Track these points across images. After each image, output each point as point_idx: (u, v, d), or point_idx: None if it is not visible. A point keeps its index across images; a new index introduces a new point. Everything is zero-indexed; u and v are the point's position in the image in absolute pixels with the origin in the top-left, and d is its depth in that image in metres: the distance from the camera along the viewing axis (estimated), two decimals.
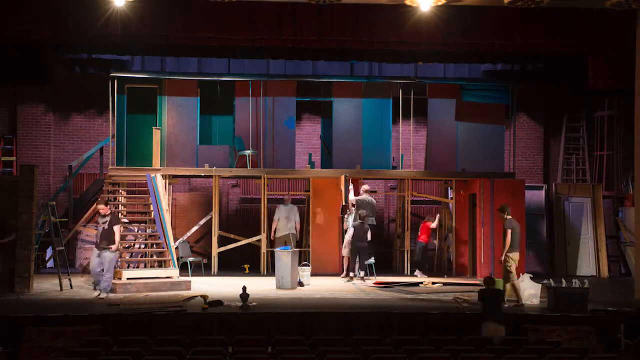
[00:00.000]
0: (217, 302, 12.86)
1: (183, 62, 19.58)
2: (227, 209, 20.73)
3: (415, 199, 19.92)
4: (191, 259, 17.67)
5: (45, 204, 16.22)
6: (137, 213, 17.68)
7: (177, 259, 16.48)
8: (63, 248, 16.29)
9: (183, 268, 17.05)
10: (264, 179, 18.15)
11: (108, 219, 14.26)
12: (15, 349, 10.97)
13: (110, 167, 17.79)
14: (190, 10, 15.53)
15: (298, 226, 18.46)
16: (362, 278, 16.62)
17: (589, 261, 19.31)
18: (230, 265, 19.91)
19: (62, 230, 18.82)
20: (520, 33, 16.03)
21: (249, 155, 18.07)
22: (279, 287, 15.33)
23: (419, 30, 15.63)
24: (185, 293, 14.47)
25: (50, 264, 19.12)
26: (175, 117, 18.24)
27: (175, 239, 19.31)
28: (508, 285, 13.51)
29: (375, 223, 17.80)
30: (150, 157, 18.02)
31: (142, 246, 16.68)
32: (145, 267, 16.29)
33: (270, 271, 17.23)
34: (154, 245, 16.42)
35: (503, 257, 13.55)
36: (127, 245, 16.48)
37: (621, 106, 19.96)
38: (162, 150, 18.08)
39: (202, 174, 18.47)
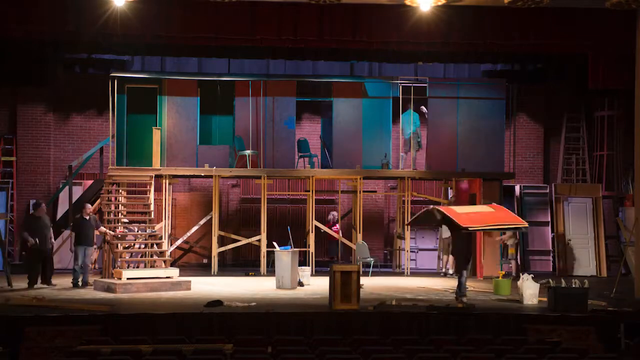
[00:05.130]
0: (217, 302, 12.87)
1: (183, 62, 19.63)
2: (227, 209, 20.73)
3: (415, 199, 19.92)
4: (370, 259, 17.63)
5: None
6: (137, 213, 17.68)
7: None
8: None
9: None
10: (264, 179, 18.15)
11: None
12: (15, 349, 10.97)
13: (110, 167, 17.79)
14: (190, 10, 15.54)
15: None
16: None
17: (589, 261, 19.31)
18: (231, 265, 20.01)
19: (62, 231, 18.88)
20: (520, 33, 16.05)
21: (249, 155, 18.07)
22: (279, 287, 15.33)
23: (419, 30, 15.65)
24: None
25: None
26: (175, 117, 18.23)
27: (175, 239, 19.33)
28: None
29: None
30: (150, 157, 18.03)
31: (142, 246, 16.67)
32: (145, 267, 16.28)
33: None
34: (154, 245, 16.43)
35: None
36: (127, 246, 16.48)
37: (621, 106, 19.96)
38: (162, 150, 18.07)
39: (202, 174, 18.48)
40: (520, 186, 20.34)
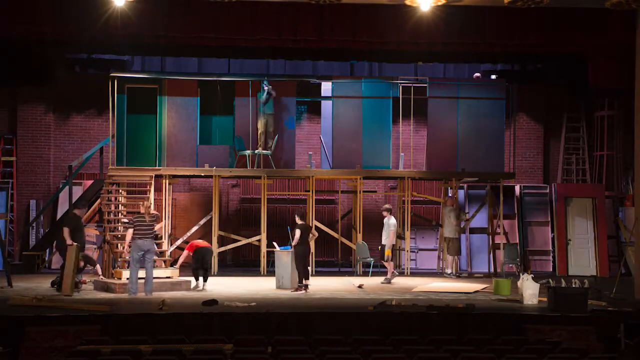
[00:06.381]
0: (212, 302, 12.91)
1: (183, 62, 19.63)
2: (227, 209, 20.73)
3: (415, 199, 19.92)
4: (370, 259, 17.62)
5: None
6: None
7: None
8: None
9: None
10: (264, 179, 18.15)
11: None
12: (15, 349, 10.97)
13: (110, 167, 17.79)
14: (190, 10, 15.54)
15: None
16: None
17: (589, 261, 19.31)
18: (231, 265, 20.01)
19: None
20: (520, 33, 16.03)
21: (249, 155, 18.07)
22: (279, 287, 15.33)
23: (419, 30, 15.63)
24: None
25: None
26: (175, 117, 18.24)
27: (175, 239, 19.34)
28: None
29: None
30: (150, 157, 18.05)
31: None
32: None
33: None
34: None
35: None
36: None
37: (621, 106, 19.96)
38: (162, 150, 18.09)
39: (202, 174, 18.48)
40: (520, 186, 20.35)
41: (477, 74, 19.21)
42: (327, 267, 19.66)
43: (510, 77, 19.43)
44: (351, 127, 18.52)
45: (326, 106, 19.18)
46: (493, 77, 19.60)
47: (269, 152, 18.09)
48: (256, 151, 18.05)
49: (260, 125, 18.06)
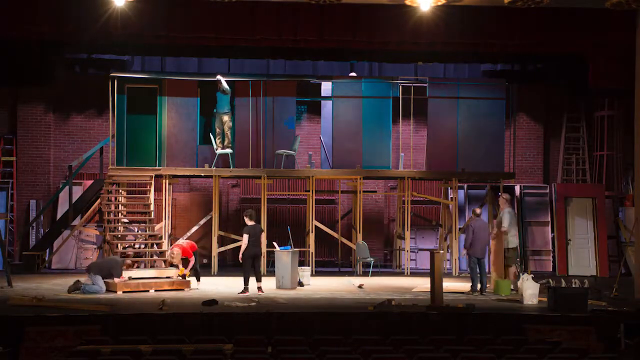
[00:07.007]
0: (212, 301, 12.91)
1: (183, 62, 19.64)
2: (227, 209, 20.74)
3: (415, 199, 19.93)
4: (370, 259, 17.62)
5: None
6: (137, 213, 17.69)
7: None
8: None
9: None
10: (264, 179, 18.15)
11: None
12: (15, 349, 10.96)
13: (110, 167, 17.80)
14: (191, 10, 15.56)
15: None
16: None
17: (589, 261, 19.31)
18: (231, 265, 19.99)
19: (62, 231, 18.91)
20: (520, 33, 16.05)
21: (230, 155, 18.03)
22: (279, 287, 15.33)
23: (419, 30, 15.65)
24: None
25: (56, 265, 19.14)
26: (175, 117, 18.24)
27: (175, 239, 19.32)
28: None
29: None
30: (150, 157, 18.05)
31: (142, 246, 16.67)
32: (145, 267, 16.27)
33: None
34: (154, 245, 16.43)
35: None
36: (127, 245, 16.48)
37: (621, 106, 19.97)
38: (162, 150, 18.09)
39: (202, 174, 18.48)
40: (520, 186, 20.34)
41: None
42: (327, 267, 19.67)
43: (510, 77, 19.44)
44: (351, 127, 18.52)
45: (326, 106, 19.20)
46: None
47: (229, 150, 18.04)
48: (217, 151, 17.96)
49: (218, 124, 18.02)
